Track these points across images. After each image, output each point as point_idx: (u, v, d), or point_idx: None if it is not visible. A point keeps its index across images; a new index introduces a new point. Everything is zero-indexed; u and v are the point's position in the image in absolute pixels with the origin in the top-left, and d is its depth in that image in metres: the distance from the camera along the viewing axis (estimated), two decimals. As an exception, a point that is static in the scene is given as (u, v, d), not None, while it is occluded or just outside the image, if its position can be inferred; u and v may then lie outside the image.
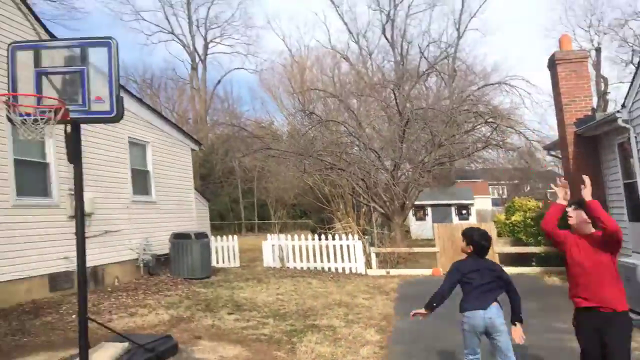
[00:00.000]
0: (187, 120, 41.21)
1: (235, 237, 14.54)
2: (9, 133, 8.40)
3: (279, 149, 17.47)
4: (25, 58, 5.19)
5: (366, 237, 14.41)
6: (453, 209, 31.02)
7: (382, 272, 12.85)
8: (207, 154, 31.98)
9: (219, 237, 14.36)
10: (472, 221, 28.72)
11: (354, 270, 13.03)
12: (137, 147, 12.56)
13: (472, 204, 31.37)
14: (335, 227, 16.39)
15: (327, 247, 13.46)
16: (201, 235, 12.27)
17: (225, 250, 14.17)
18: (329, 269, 13.18)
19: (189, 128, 35.95)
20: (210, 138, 37.73)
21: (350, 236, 13.55)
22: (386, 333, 6.69)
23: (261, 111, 60.43)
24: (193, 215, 15.00)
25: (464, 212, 31.23)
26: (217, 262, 13.83)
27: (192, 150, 15.48)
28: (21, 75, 5.16)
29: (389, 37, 30.73)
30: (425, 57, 21.04)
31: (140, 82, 42.25)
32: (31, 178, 9.11)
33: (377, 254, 13.65)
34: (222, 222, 33.54)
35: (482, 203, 36.09)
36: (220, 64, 78.24)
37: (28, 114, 4.87)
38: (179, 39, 42.18)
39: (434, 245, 13.81)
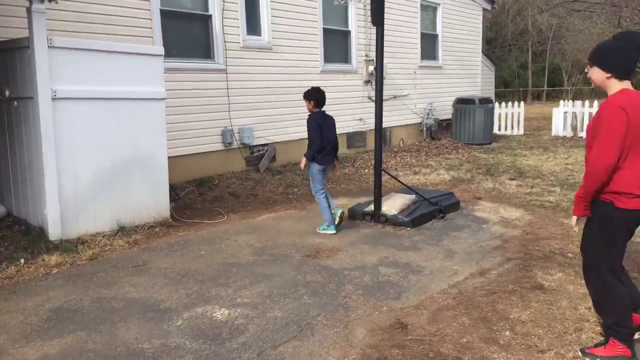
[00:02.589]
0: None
1: (522, 103, 13.65)
2: (320, 4, 9.44)
3: (589, 1, 14.78)
4: None
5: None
6: None
7: None
8: (496, 15, 29.60)
9: (503, 103, 13.71)
10: None
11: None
12: (428, 9, 12.48)
13: None
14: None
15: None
16: (485, 101, 11.94)
17: (509, 117, 13.52)
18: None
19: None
20: (502, -5, 34.53)
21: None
22: None
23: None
24: (478, 80, 14.57)
25: None
26: (499, 129, 13.39)
27: (483, 9, 14.56)
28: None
29: None
30: None
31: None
32: (334, 46, 10.08)
33: None
34: (505, 90, 31.73)
35: None
36: None
37: None
38: None
39: None
